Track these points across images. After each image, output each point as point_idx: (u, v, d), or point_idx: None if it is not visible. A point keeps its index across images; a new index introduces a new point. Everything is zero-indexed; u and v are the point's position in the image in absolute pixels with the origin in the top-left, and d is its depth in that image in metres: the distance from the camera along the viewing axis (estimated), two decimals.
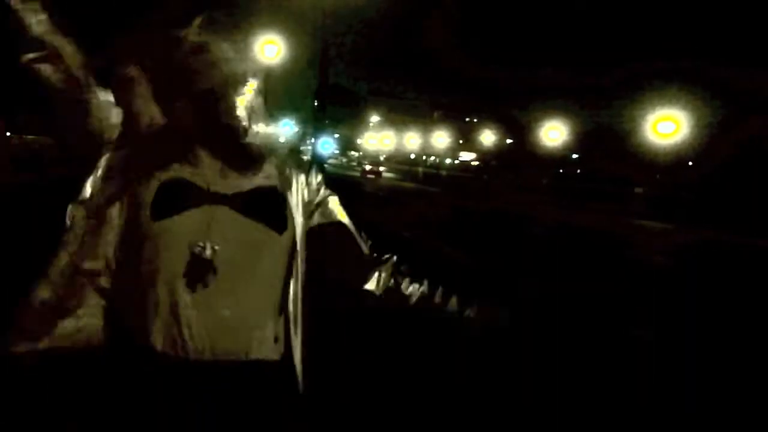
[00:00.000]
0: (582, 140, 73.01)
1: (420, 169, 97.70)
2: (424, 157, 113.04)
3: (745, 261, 20.54)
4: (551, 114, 71.63)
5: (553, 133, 71.24)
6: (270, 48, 29.92)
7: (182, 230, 1.98)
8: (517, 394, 6.06)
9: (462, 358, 6.17)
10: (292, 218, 2.19)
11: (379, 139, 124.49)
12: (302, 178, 2.31)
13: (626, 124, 57.19)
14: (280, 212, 2.16)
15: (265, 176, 2.17)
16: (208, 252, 1.95)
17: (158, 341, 1.94)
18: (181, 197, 2.01)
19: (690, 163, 53.38)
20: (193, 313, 1.95)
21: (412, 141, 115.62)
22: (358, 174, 78.57)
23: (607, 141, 64.12)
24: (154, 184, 2.02)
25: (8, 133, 29.52)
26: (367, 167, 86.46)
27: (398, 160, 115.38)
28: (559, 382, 6.46)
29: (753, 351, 8.56)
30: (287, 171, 2.26)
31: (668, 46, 52.38)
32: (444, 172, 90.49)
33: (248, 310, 2.04)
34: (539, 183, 59.54)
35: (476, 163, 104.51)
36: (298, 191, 2.27)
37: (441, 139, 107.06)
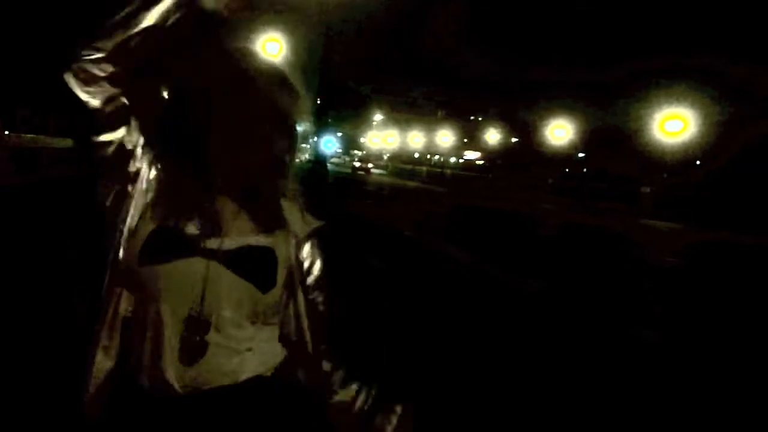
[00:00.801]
0: (588, 139, 72.81)
1: (424, 168, 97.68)
2: (428, 156, 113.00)
3: (754, 261, 20.49)
4: (557, 112, 71.48)
5: (559, 132, 71.15)
6: (272, 45, 29.91)
7: (172, 282, 1.95)
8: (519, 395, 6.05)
9: None
10: (284, 276, 2.13)
11: (382, 137, 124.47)
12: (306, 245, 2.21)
13: (633, 122, 56.93)
14: (270, 270, 2.09)
15: (266, 235, 2.10)
16: (211, 318, 1.97)
17: (145, 380, 1.97)
18: (172, 246, 1.98)
19: (698, 162, 53.25)
20: (178, 357, 1.95)
21: (416, 140, 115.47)
22: (362, 173, 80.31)
23: (614, 140, 63.96)
24: (147, 228, 1.99)
25: (6, 132, 29.51)
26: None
27: (402, 159, 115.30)
28: (561, 385, 6.44)
29: (761, 352, 8.53)
30: (293, 230, 2.17)
31: (675, 43, 52.11)
32: (448, 171, 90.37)
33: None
34: (545, 182, 59.41)
35: (481, 162, 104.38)
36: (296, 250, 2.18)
37: (445, 137, 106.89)
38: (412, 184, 59.93)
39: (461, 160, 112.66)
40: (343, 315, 2.24)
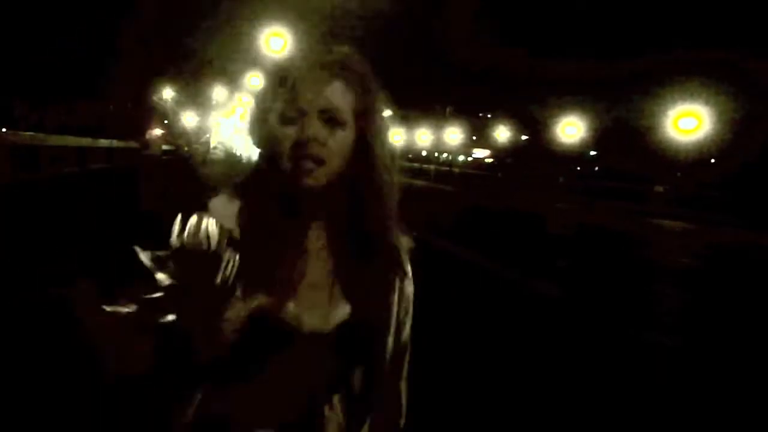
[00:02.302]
0: (600, 137, 72.78)
1: (432, 167, 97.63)
2: (436, 154, 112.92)
3: None
4: (568, 109, 71.38)
5: (570, 129, 71.02)
6: (276, 40, 29.94)
7: (268, 383, 1.77)
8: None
9: None
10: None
11: (390, 135, 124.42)
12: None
13: (645, 119, 56.89)
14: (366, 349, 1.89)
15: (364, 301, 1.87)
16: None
17: None
18: (265, 336, 1.77)
19: (713, 161, 53.19)
20: None
21: (423, 137, 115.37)
22: None
23: (626, 137, 63.90)
24: (236, 317, 1.76)
25: (3, 129, 29.59)
26: None
27: (409, 158, 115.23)
28: (573, 390, 6.43)
29: None
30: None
31: (689, 37, 52.03)
32: (457, 170, 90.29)
33: None
34: (555, 181, 59.33)
35: (490, 160, 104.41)
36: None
37: (454, 135, 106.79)
38: (419, 182, 59.76)
39: (470, 159, 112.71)
40: None
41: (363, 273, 1.87)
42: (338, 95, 1.79)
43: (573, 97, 68.85)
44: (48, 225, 14.40)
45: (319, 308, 1.82)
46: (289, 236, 1.82)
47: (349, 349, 1.84)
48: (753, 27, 47.14)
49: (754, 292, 13.70)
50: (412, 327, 2.04)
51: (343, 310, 1.84)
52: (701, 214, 34.91)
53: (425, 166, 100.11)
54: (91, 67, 44.02)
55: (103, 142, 41.77)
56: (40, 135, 30.70)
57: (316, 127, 1.75)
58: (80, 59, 42.45)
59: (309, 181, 1.75)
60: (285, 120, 1.76)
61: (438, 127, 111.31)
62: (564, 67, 66.49)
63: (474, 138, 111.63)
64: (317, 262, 1.85)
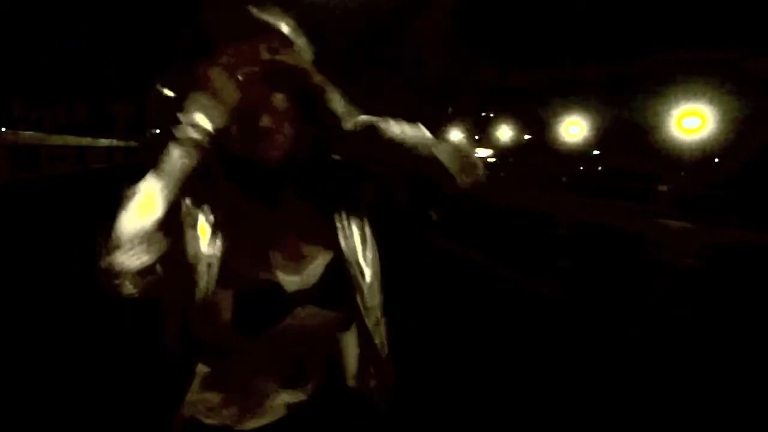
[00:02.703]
0: (603, 136, 72.75)
1: None
2: None
3: None
4: (571, 108, 71.43)
5: (573, 129, 71.10)
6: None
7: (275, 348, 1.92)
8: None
9: None
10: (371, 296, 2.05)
11: None
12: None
13: (649, 119, 56.85)
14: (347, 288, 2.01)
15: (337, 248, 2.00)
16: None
17: None
18: (257, 303, 1.89)
19: (717, 160, 53.14)
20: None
21: None
22: None
23: (630, 137, 63.86)
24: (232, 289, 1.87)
25: (2, 129, 29.59)
26: None
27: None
28: (579, 394, 6.43)
29: None
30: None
31: (693, 36, 51.96)
32: None
33: None
34: (559, 180, 59.24)
35: (492, 159, 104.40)
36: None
37: (455, 134, 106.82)
38: None
39: None
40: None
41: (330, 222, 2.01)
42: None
43: (576, 96, 68.88)
44: (47, 225, 14.41)
45: (296, 265, 1.94)
46: (255, 205, 1.94)
47: (334, 301, 1.96)
48: (757, 26, 47.01)
49: (759, 294, 13.67)
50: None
51: (320, 263, 1.97)
52: (705, 213, 34.86)
53: None
54: (91, 66, 44.03)
55: (104, 142, 41.79)
56: (40, 134, 30.69)
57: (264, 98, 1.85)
58: (80, 58, 42.45)
59: (272, 152, 1.87)
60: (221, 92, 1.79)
61: (439, 125, 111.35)
62: (567, 66, 66.44)
63: (476, 137, 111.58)
64: (286, 222, 1.97)
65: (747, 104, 49.44)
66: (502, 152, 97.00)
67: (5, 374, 5.93)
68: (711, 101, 46.05)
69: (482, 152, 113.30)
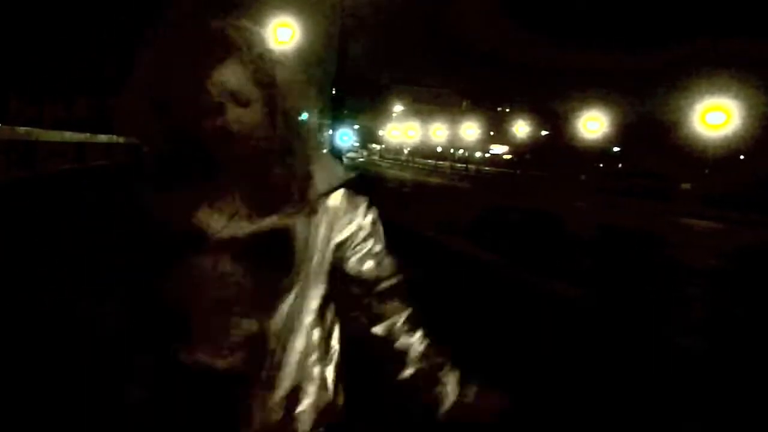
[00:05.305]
0: (623, 132, 72.67)
1: (447, 163, 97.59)
2: (451, 150, 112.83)
3: None
4: (590, 103, 71.28)
5: (593, 124, 70.89)
6: (284, 31, 29.93)
7: (187, 283, 1.96)
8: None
9: None
10: (309, 261, 2.08)
11: (403, 130, 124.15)
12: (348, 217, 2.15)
13: (671, 114, 56.81)
14: (289, 253, 2.05)
15: (284, 214, 2.04)
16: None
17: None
18: (183, 244, 1.97)
19: (742, 157, 53.01)
20: None
21: (438, 132, 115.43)
22: (379, 169, 79.53)
23: (651, 133, 63.75)
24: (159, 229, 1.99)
25: None
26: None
27: (424, 154, 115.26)
28: (601, 397, 6.40)
29: None
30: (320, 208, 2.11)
31: (717, 27, 51.83)
32: (473, 167, 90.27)
33: None
34: (577, 179, 59.28)
35: (509, 156, 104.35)
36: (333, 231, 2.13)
37: (470, 130, 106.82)
38: (434, 180, 59.77)
39: (487, 155, 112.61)
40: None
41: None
42: (235, 76, 1.92)
43: (595, 90, 68.83)
44: (45, 225, 14.42)
45: (229, 215, 1.99)
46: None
47: (266, 262, 1.99)
48: None
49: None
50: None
51: (255, 224, 2.00)
52: (730, 213, 34.77)
53: (440, 162, 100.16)
54: (91, 60, 44.18)
55: (102, 138, 41.82)
56: (37, 130, 30.73)
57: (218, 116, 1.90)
58: (80, 52, 42.60)
59: (222, 159, 1.95)
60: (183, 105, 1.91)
61: (454, 121, 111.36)
62: (586, 58, 66.42)
63: (492, 133, 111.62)
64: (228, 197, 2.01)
65: None
66: (518, 149, 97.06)
67: (4, 375, 5.95)
68: (737, 96, 45.81)
69: (498, 149, 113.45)
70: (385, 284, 2.17)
